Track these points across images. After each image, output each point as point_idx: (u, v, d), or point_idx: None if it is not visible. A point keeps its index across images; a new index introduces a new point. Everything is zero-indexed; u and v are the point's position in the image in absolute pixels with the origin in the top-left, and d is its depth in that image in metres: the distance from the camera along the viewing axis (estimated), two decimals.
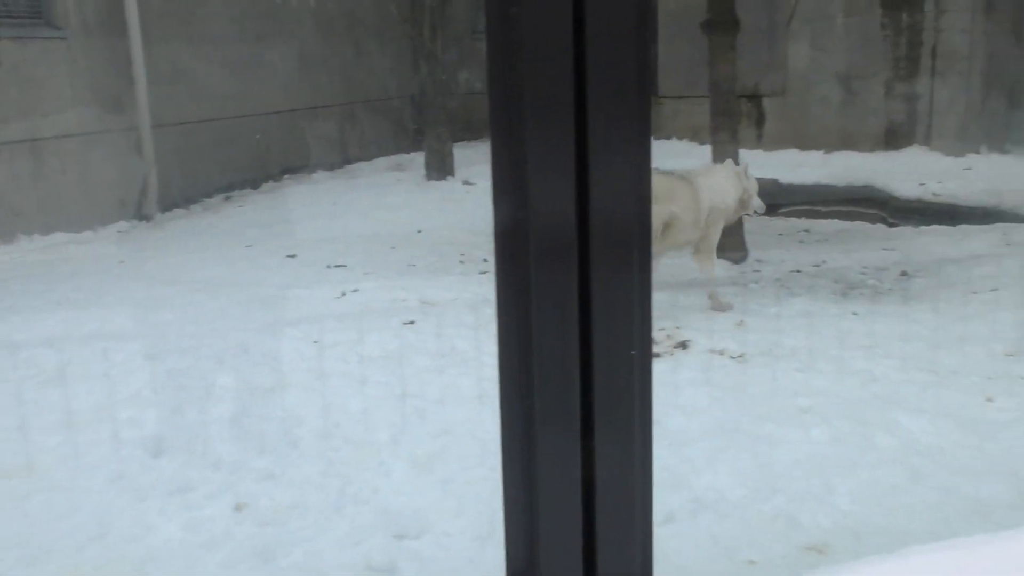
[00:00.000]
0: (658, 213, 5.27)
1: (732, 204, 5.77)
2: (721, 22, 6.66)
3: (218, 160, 10.43)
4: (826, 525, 3.09)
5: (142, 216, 9.30)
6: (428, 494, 3.36)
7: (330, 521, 3.21)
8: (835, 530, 3.06)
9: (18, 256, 7.77)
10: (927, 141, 11.34)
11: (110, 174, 9.08)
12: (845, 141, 11.58)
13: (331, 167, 11.64)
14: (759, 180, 10.17)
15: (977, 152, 10.90)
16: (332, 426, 3.96)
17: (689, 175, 5.69)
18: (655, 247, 5.60)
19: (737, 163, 7.08)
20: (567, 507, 1.51)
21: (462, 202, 9.41)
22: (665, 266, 6.88)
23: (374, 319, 5.41)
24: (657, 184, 5.54)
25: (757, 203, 5.87)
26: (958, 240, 7.46)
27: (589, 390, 1.49)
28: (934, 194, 9.61)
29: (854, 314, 5.48)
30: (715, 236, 5.81)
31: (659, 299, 5.84)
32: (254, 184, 10.77)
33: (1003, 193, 9.08)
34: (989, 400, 4.09)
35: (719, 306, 5.68)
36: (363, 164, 12.06)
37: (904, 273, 6.58)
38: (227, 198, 10.34)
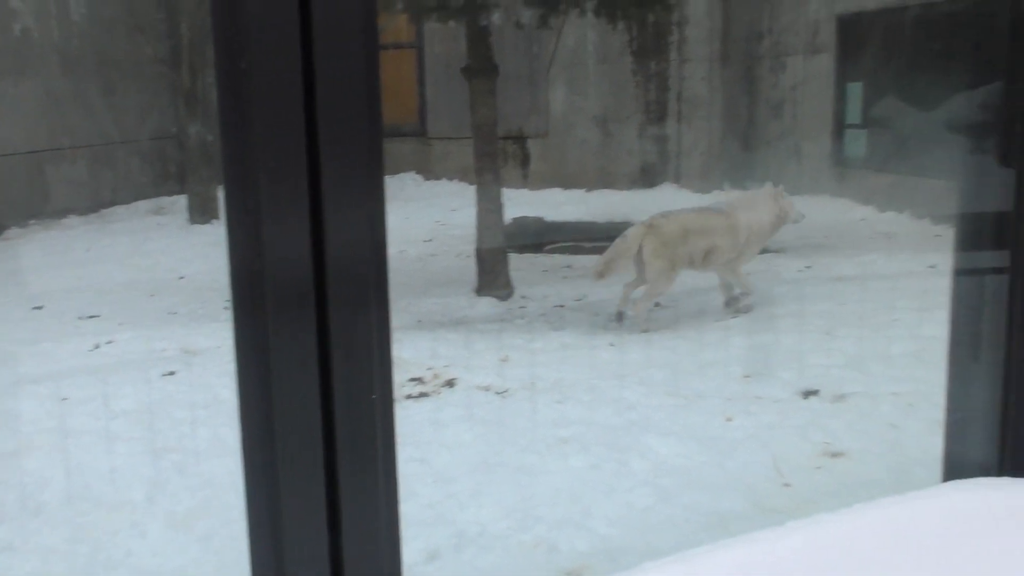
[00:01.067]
0: (698, 245, 6.27)
1: (767, 226, 6.50)
2: (480, 68, 6.90)
3: None
4: (584, 549, 3.23)
5: None
6: (187, 552, 3.23)
7: None
8: (592, 553, 3.21)
9: None
10: (677, 179, 12.18)
11: None
12: (604, 180, 12.22)
13: (84, 212, 10.99)
14: (525, 218, 10.54)
15: (721, 189, 11.81)
16: (81, 488, 3.72)
17: (727, 208, 6.51)
18: (696, 267, 6.44)
19: (500, 200, 7.33)
20: (314, 553, 1.52)
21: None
22: (433, 304, 6.99)
23: (130, 371, 5.15)
24: (695, 220, 6.39)
25: (796, 213, 6.63)
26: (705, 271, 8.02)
27: (331, 435, 1.51)
28: None
29: (611, 345, 5.78)
30: (751, 255, 6.60)
31: (427, 338, 5.92)
32: None
33: None
34: (729, 420, 4.42)
35: (745, 309, 6.42)
36: (120, 208, 11.45)
37: (658, 304, 6.99)
38: None
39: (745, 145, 11.84)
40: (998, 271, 2.42)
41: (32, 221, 10.46)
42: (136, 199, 11.79)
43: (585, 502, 3.55)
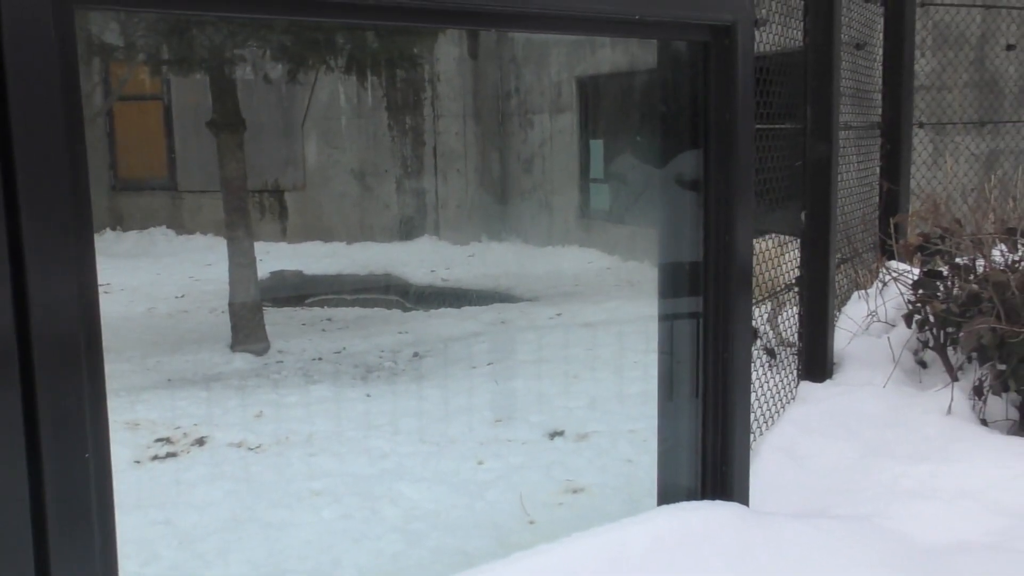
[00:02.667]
0: None
1: None
2: (227, 122, 6.83)
3: None
4: None
5: None
6: None
7: None
8: None
9: None
10: (436, 231, 12.46)
11: None
12: (364, 232, 12.32)
13: None
14: (284, 272, 10.42)
15: (479, 241, 12.21)
16: None
17: None
18: None
19: (253, 254, 7.24)
20: None
21: None
22: (185, 361, 6.77)
23: None
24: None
25: None
26: (462, 320, 8.25)
27: (40, 502, 1.48)
28: (443, 280, 10.56)
29: (368, 396, 5.83)
30: None
31: (177, 396, 5.73)
32: None
33: (499, 277, 10.26)
34: (480, 463, 4.58)
35: None
36: None
37: (416, 354, 7.12)
38: None
39: (499, 198, 12.32)
40: (693, 316, 2.71)
41: None
42: None
43: (335, 552, 3.57)
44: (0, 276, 1.41)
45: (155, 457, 4.68)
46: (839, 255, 4.41)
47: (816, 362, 4.07)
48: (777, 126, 3.82)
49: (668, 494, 2.82)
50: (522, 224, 12.00)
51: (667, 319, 2.81)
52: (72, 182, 1.47)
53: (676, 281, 2.79)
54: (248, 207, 7.20)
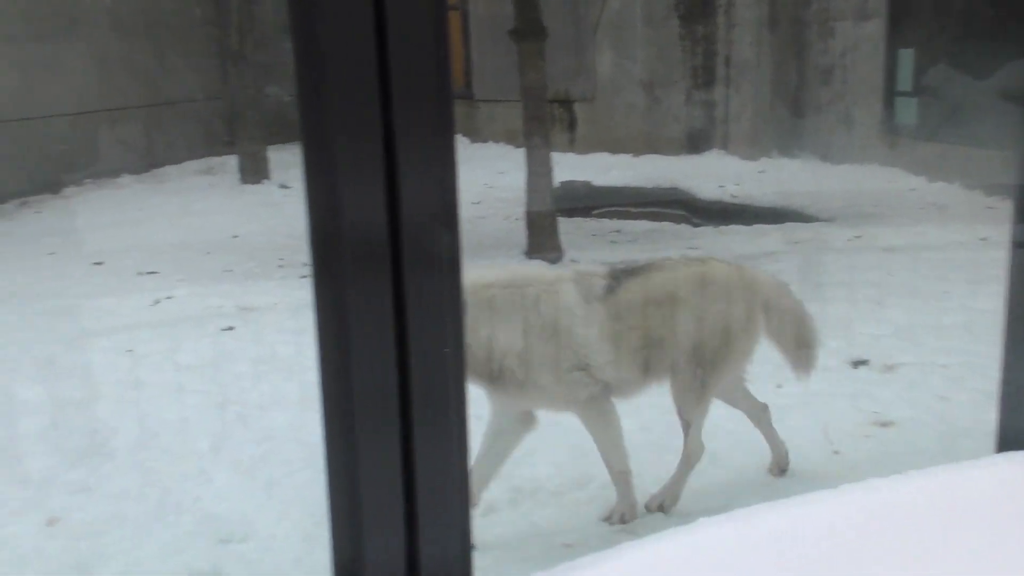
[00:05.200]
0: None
1: None
2: (528, 30, 6.89)
3: (10, 164, 9.81)
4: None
5: None
6: (252, 499, 3.36)
7: (150, 531, 3.15)
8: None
9: None
10: (725, 145, 12.07)
11: None
12: (651, 145, 12.15)
13: (137, 171, 11.18)
14: (573, 182, 10.54)
15: (769, 156, 11.70)
16: (149, 436, 3.86)
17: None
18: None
19: (550, 164, 7.31)
20: (389, 500, 1.59)
21: (280, 206, 9.27)
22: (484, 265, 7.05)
23: (190, 327, 5.30)
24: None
25: None
26: (753, 238, 8.00)
27: (406, 388, 1.58)
28: (732, 196, 10.25)
29: None
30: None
31: None
32: (53, 189, 10.20)
33: (791, 195, 9.81)
34: (779, 387, 4.43)
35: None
36: (171, 168, 11.63)
37: None
38: (23, 204, 9.76)
39: (794, 111, 11.70)
40: None
41: (87, 180, 10.68)
42: (186, 159, 11.95)
43: (634, 462, 3.60)
44: (375, 177, 1.47)
45: None
46: None
47: None
48: None
49: (1010, 439, 2.57)
50: (817, 139, 11.36)
51: (1022, 246, 2.53)
52: (438, 83, 1.50)
53: None
54: (547, 116, 7.29)
